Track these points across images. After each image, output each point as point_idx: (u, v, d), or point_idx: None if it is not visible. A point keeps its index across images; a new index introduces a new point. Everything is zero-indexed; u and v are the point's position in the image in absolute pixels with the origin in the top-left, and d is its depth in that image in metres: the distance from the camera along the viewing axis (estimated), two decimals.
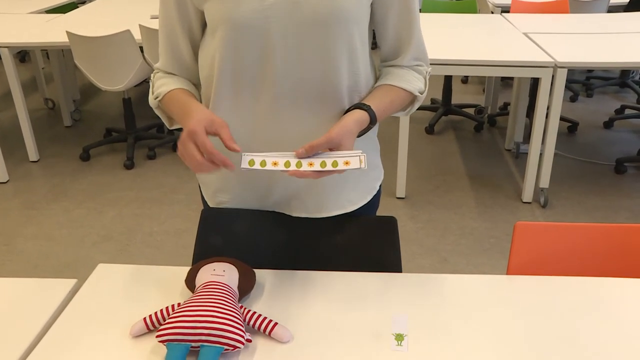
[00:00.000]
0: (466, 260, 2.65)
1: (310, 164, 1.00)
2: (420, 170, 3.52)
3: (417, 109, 1.25)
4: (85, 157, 3.68)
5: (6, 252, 2.74)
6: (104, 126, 4.15)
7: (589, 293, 1.11)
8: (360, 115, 1.08)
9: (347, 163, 1.00)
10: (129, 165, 3.57)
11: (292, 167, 1.00)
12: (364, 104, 1.10)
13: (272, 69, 1.08)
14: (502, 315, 1.04)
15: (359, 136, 1.10)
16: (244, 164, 1.01)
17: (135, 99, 4.62)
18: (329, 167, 1.00)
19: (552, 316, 1.04)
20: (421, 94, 1.18)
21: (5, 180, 3.42)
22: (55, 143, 3.98)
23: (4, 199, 3.25)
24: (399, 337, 0.98)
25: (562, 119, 3.03)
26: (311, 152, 1.02)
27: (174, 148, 3.80)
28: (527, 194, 3.12)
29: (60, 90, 4.18)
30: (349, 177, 1.23)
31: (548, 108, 2.88)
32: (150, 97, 1.18)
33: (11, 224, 2.99)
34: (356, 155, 1.01)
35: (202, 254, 1.24)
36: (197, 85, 1.22)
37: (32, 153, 3.66)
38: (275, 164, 1.00)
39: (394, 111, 1.18)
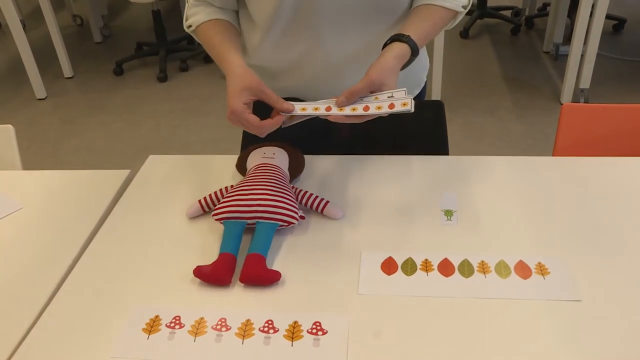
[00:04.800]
0: None
1: (354, 109, 0.96)
2: (456, 75, 3.44)
3: None
4: (119, 71, 3.70)
5: (53, 164, 2.84)
6: (134, 41, 4.12)
7: (636, 173, 1.10)
8: (400, 50, 0.99)
9: (392, 106, 0.94)
10: (163, 77, 3.58)
11: (334, 111, 0.96)
12: (403, 35, 1.00)
13: None
14: (549, 194, 1.05)
15: (402, 69, 1.01)
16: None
17: (165, 11, 4.53)
18: (372, 111, 0.94)
19: (599, 195, 1.05)
20: (465, 9, 1.08)
21: (43, 97, 3.47)
22: (87, 59, 3.99)
23: (45, 114, 3.32)
24: (448, 213, 1.00)
25: (607, 16, 2.87)
26: (352, 99, 0.96)
27: (206, 60, 3.78)
28: (566, 96, 3.04)
29: (88, 6, 4.14)
30: None
31: (593, 6, 2.74)
32: (184, 23, 1.13)
33: (54, 138, 3.07)
34: (401, 98, 0.94)
35: (250, 142, 1.26)
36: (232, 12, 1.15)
37: (67, 69, 3.69)
38: (316, 109, 0.98)
39: (435, 34, 1.08)
